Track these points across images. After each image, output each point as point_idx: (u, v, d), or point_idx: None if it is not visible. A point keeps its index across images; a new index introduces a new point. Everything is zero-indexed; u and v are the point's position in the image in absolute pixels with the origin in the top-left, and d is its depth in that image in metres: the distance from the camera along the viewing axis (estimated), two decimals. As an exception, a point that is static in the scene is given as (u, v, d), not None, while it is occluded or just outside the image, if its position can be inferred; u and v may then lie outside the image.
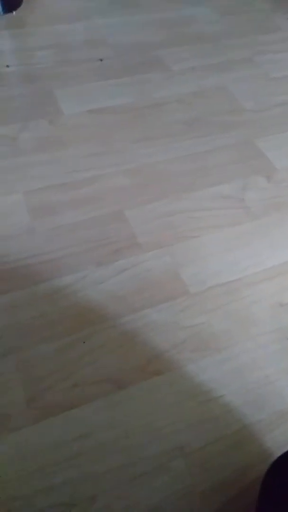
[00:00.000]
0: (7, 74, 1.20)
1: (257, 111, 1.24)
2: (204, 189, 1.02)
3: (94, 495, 0.63)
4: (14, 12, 1.40)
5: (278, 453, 0.68)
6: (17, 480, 0.63)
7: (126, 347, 0.77)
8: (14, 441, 0.66)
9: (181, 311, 0.82)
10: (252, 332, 0.81)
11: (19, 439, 0.66)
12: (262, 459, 0.67)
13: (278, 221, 0.98)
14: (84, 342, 0.76)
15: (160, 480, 0.65)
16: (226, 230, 0.95)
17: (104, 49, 1.35)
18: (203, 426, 0.70)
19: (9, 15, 1.39)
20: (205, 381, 0.75)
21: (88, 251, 0.88)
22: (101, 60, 1.30)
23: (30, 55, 1.27)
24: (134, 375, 0.74)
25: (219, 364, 0.77)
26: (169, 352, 0.77)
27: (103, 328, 0.78)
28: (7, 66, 1.22)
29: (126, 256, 0.88)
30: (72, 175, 0.99)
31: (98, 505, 0.63)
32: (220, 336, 0.80)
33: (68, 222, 0.91)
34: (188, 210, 0.97)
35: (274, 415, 0.72)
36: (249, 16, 1.60)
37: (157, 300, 0.83)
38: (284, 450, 0.67)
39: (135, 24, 1.47)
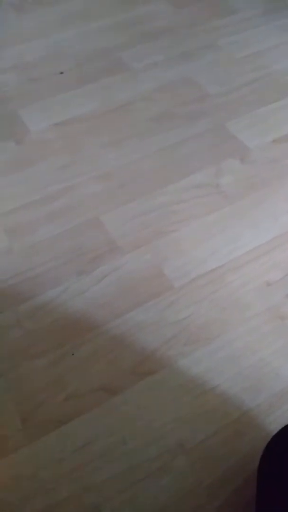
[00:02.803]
0: (-29, 103, 1.22)
1: (223, 94, 1.23)
2: (178, 182, 1.01)
3: (99, 505, 0.62)
4: (-28, 42, 1.42)
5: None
6: (19, 501, 0.62)
7: (115, 353, 0.76)
8: (12, 462, 0.65)
9: (168, 306, 0.81)
10: (242, 316, 0.80)
11: (17, 459, 0.66)
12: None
13: (256, 201, 0.96)
14: (73, 354, 0.76)
15: (164, 480, 0.64)
16: (204, 219, 0.94)
17: (64, 62, 1.35)
18: (202, 419, 0.69)
19: None
20: (199, 373, 0.73)
21: (67, 262, 0.87)
22: (61, 73, 1.30)
23: (-8, 81, 1.29)
24: (126, 379, 0.73)
25: (211, 354, 0.75)
26: (159, 350, 0.76)
27: (91, 337, 0.78)
28: None
29: (106, 261, 0.88)
30: (44, 190, 1.00)
31: (104, 514, 0.62)
32: (210, 326, 0.79)
33: (45, 237, 0.92)
34: (164, 205, 0.96)
35: (273, 397, 0.71)
36: (205, 3, 1.58)
37: (142, 300, 0.82)
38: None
39: (92, 31, 1.47)
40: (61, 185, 1.01)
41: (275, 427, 0.68)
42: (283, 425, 0.67)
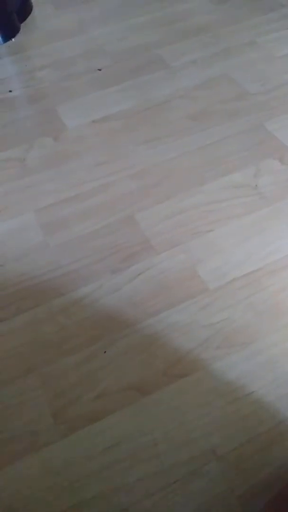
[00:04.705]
0: (11, 99, 1.23)
1: (263, 93, 1.19)
2: (215, 182, 0.99)
3: (127, 507, 0.62)
4: (13, 39, 1.44)
5: None
6: (49, 497, 0.62)
7: (147, 352, 0.75)
8: (43, 457, 0.66)
9: (202, 309, 0.80)
10: (279, 323, 0.77)
11: (48, 455, 0.66)
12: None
13: (296, 203, 0.93)
14: (105, 352, 0.75)
15: (194, 486, 0.63)
16: (241, 220, 0.91)
17: (102, 58, 1.35)
18: (235, 426, 0.67)
19: (8, 42, 1.43)
20: (234, 378, 0.72)
21: (102, 260, 0.87)
22: (99, 69, 1.30)
23: (31, 77, 1.30)
24: (158, 379, 0.72)
25: (246, 360, 0.73)
26: (192, 353, 0.75)
27: (123, 335, 0.77)
28: (10, 91, 1.25)
29: (140, 260, 0.87)
30: (80, 187, 1.00)
31: (133, 516, 0.61)
32: (245, 330, 0.76)
33: (80, 233, 0.92)
34: (200, 205, 0.95)
35: (311, 407, 0.68)
36: (244, 0, 1.55)
37: (175, 301, 0.81)
38: None
39: (130, 28, 1.46)
40: (97, 182, 1.01)
41: (312, 438, 0.65)
42: None
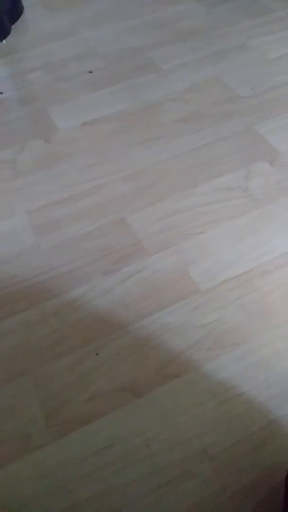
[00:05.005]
0: (1, 101, 1.22)
1: (254, 96, 1.21)
2: (206, 184, 0.99)
3: (120, 508, 0.62)
4: (4, 41, 1.43)
5: (310, 447, 0.64)
6: (42, 499, 0.62)
7: (140, 354, 0.75)
8: (35, 460, 0.65)
9: (194, 310, 0.80)
10: (271, 323, 0.78)
11: (40, 457, 0.66)
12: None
13: (286, 205, 0.94)
14: (97, 354, 0.75)
15: (187, 486, 0.63)
16: (232, 222, 0.92)
17: (94, 61, 1.36)
18: (227, 426, 0.67)
19: None
20: (226, 378, 0.72)
21: (93, 262, 0.87)
22: (90, 72, 1.31)
23: (22, 79, 1.30)
24: (151, 381, 0.72)
25: (238, 360, 0.74)
26: (185, 353, 0.75)
27: (115, 337, 0.77)
28: (1, 93, 1.24)
29: (131, 262, 0.87)
30: (71, 189, 1.00)
31: (126, 517, 0.61)
32: (237, 331, 0.77)
33: (71, 235, 0.92)
34: (191, 207, 0.95)
35: (302, 407, 0.69)
36: (236, 3, 1.57)
37: (167, 302, 0.81)
38: (315, 443, 0.63)
39: (122, 31, 1.47)
40: (88, 184, 1.01)
41: (303, 437, 0.66)
42: (311, 436, 0.66)
